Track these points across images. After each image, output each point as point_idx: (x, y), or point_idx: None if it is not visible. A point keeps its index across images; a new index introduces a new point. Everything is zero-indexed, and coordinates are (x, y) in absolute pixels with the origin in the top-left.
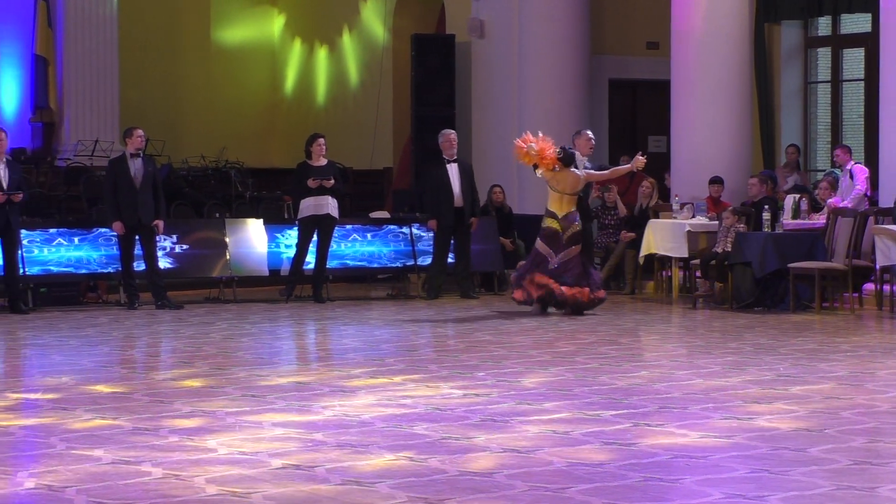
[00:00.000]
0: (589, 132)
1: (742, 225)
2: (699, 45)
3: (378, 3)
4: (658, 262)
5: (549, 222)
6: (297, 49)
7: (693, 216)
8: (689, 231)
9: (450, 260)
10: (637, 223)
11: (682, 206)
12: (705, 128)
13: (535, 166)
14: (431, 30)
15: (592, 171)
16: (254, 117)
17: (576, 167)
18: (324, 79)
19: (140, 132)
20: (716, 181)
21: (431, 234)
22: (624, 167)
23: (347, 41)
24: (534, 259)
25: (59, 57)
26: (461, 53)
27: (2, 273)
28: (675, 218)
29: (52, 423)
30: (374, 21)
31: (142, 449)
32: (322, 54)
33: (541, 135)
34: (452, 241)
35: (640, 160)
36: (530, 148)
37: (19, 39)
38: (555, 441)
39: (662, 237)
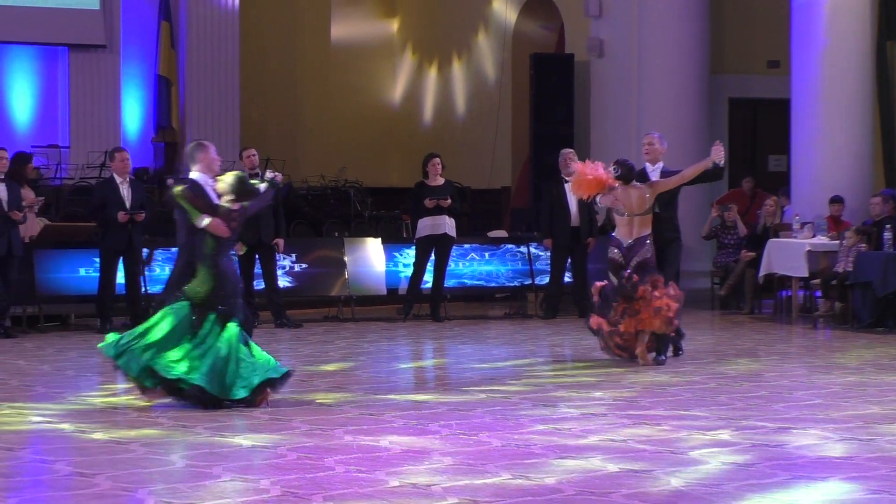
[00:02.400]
0: (650, 135)
1: (863, 244)
2: (820, 64)
3: (498, 24)
4: (778, 282)
5: (612, 254)
6: (416, 69)
7: (814, 235)
8: (809, 251)
9: (567, 279)
10: (757, 242)
11: (803, 225)
12: (826, 146)
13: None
14: (550, 49)
15: (658, 181)
16: (373, 137)
17: (638, 181)
18: (444, 98)
19: (250, 152)
20: (837, 200)
21: (549, 254)
22: (698, 165)
23: (467, 61)
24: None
25: (181, 77)
26: (580, 72)
27: (124, 291)
28: (795, 237)
29: (173, 440)
30: (494, 41)
31: (260, 468)
32: (442, 73)
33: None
34: (569, 261)
35: (718, 149)
36: (583, 176)
37: (143, 60)
38: (669, 462)
39: (782, 256)
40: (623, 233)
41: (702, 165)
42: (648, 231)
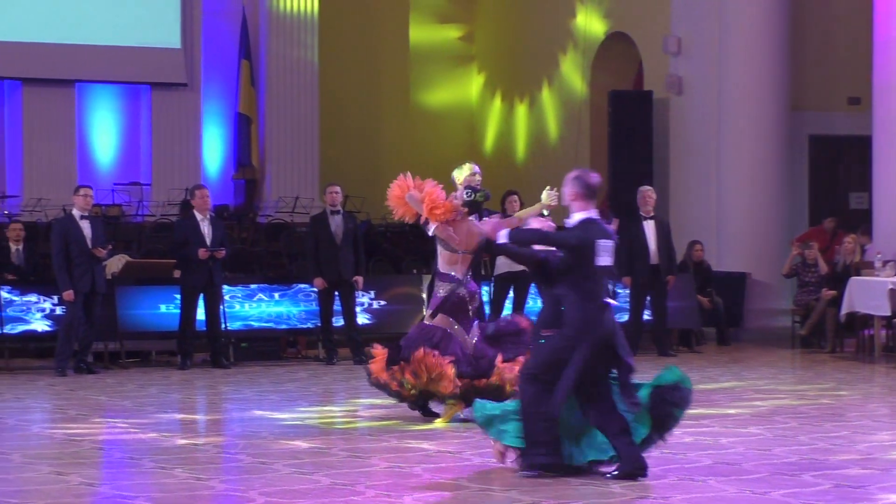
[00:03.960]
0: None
1: None
2: None
3: (576, 60)
4: (860, 321)
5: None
6: (495, 106)
7: None
8: (891, 289)
9: (646, 317)
10: (838, 280)
11: (885, 263)
12: None
13: (424, 221)
14: (629, 86)
15: (493, 220)
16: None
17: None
18: (522, 135)
19: (334, 189)
20: None
21: (628, 291)
22: (527, 210)
23: (545, 98)
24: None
25: (261, 115)
26: (659, 109)
27: (204, 328)
28: (877, 275)
29: (252, 479)
30: (573, 78)
31: None
32: (520, 111)
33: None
34: (648, 298)
35: (551, 195)
36: (411, 197)
37: (223, 98)
38: (749, 500)
39: (864, 295)
40: (460, 271)
41: (535, 210)
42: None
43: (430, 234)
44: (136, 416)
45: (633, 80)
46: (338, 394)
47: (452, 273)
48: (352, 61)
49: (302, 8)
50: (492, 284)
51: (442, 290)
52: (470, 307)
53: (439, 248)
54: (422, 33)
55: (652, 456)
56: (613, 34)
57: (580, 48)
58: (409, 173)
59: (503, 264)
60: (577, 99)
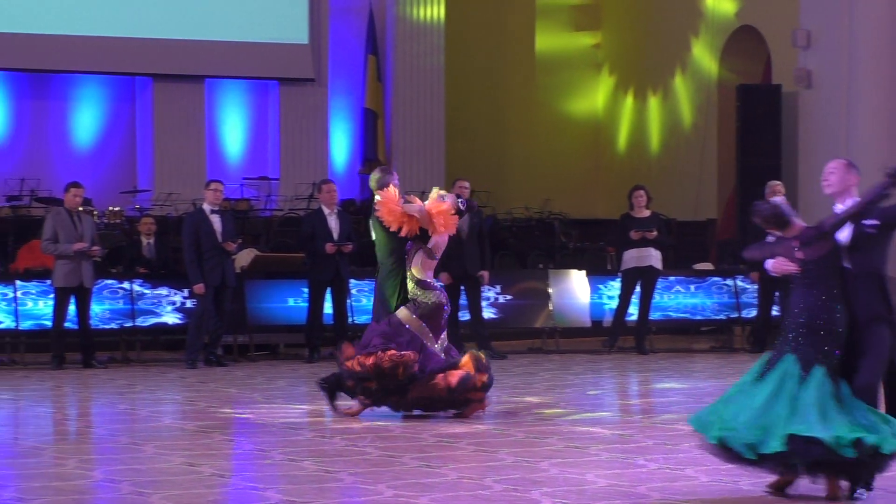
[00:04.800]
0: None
1: None
2: None
3: (703, 55)
4: None
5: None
6: (620, 101)
7: None
8: None
9: (775, 312)
10: None
11: None
12: None
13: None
14: (757, 80)
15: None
16: (577, 168)
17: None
18: (646, 131)
19: (462, 184)
20: None
21: (756, 287)
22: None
23: (670, 93)
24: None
25: (387, 110)
26: (787, 103)
27: (331, 321)
28: None
29: (380, 472)
30: (699, 73)
31: (465, 499)
32: (653, 104)
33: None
34: (777, 294)
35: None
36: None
37: (350, 93)
38: None
39: None
40: (432, 276)
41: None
42: None
43: (410, 244)
44: (265, 408)
45: (762, 74)
46: None
47: (430, 280)
48: (478, 55)
49: (429, 3)
50: (619, 279)
51: (426, 298)
52: (446, 314)
53: (420, 256)
54: (548, 40)
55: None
56: (742, 28)
57: (712, 29)
58: (392, 187)
59: (630, 259)
60: (703, 95)
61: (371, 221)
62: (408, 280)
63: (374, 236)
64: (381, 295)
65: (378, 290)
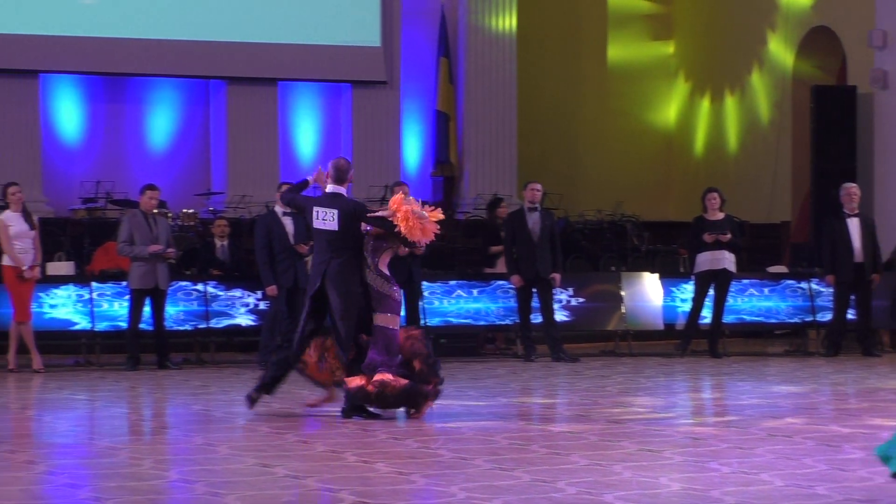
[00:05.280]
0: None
1: None
2: None
3: (779, 49)
4: None
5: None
6: (696, 105)
7: None
8: None
9: (850, 316)
10: None
11: None
12: None
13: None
14: (832, 81)
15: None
16: (650, 171)
17: None
18: (724, 132)
19: (535, 186)
20: None
21: (831, 290)
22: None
23: (747, 91)
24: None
25: (459, 112)
26: (863, 105)
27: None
28: None
29: (453, 474)
30: (775, 68)
31: (538, 502)
32: (722, 107)
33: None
34: (853, 297)
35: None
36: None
37: (422, 96)
38: None
39: None
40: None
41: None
42: None
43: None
44: (335, 410)
45: (837, 75)
46: (537, 390)
47: (389, 273)
48: (549, 57)
49: (501, 6)
50: (692, 282)
51: (389, 291)
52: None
53: (386, 252)
54: (620, 49)
55: (848, 455)
56: (817, 28)
57: (789, 23)
58: (402, 193)
59: (704, 261)
60: (777, 97)
61: (340, 213)
62: (370, 273)
63: (332, 227)
64: (343, 288)
65: (339, 282)
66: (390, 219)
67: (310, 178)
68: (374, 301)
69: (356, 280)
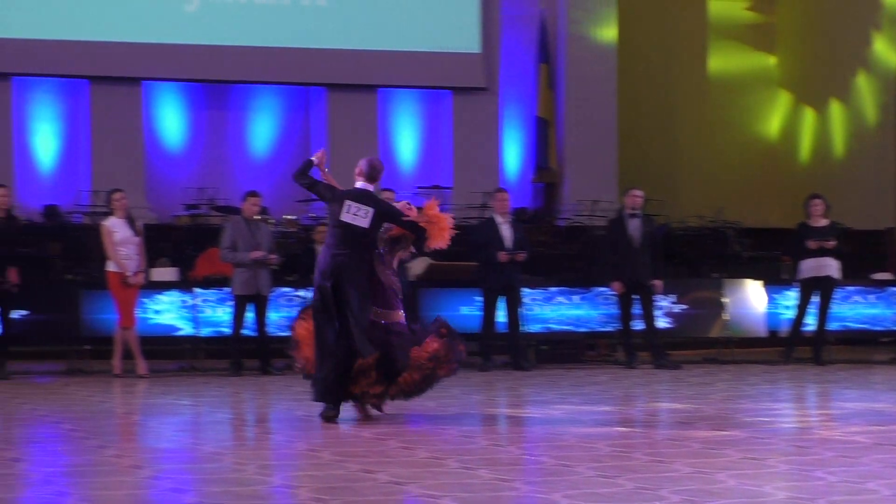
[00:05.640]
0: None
1: None
2: None
3: (885, 49)
4: None
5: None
6: (797, 111)
7: None
8: None
9: None
10: None
11: None
12: None
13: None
14: None
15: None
16: (752, 178)
17: None
18: (825, 139)
19: (636, 192)
20: None
21: None
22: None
23: (848, 101)
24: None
25: (559, 118)
26: None
27: (504, 330)
28: None
29: (555, 481)
30: (882, 69)
31: None
32: (823, 114)
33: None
34: None
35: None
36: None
37: (522, 102)
38: None
39: None
40: None
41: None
42: None
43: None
44: (439, 416)
45: None
46: (639, 397)
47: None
48: (649, 63)
49: (601, 16)
50: (796, 289)
51: (398, 289)
52: None
53: (400, 252)
54: (721, 59)
55: None
56: None
57: (885, 48)
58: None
59: (808, 268)
60: (881, 99)
61: (376, 212)
62: (385, 270)
63: (363, 224)
64: (360, 283)
65: (356, 278)
66: (422, 224)
67: (314, 159)
68: (384, 298)
69: (368, 277)
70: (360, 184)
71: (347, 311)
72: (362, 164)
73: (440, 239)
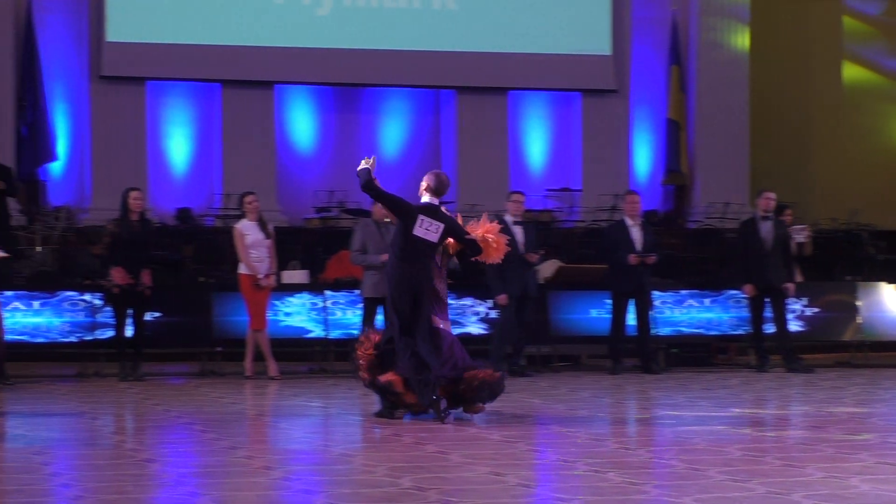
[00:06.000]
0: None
1: None
2: None
3: None
4: None
5: None
6: None
7: None
8: None
9: None
10: None
11: None
12: None
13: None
14: None
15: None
16: (886, 181)
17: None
18: None
19: (769, 195)
20: None
21: None
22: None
23: None
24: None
25: (690, 121)
26: None
27: (634, 333)
28: None
29: (686, 485)
30: None
31: None
32: None
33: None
34: None
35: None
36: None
37: (652, 104)
38: None
39: None
40: None
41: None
42: None
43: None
44: (568, 419)
45: None
46: (770, 400)
47: None
48: (782, 66)
49: (733, 22)
50: None
51: (447, 299)
52: None
53: (447, 262)
54: (857, 68)
55: None
56: None
57: None
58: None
59: None
60: None
61: (446, 229)
62: (441, 281)
63: (433, 238)
64: (428, 295)
65: (428, 290)
66: (480, 243)
67: (368, 166)
68: (439, 306)
69: (432, 288)
70: (427, 198)
71: (421, 322)
72: (430, 180)
73: (494, 258)
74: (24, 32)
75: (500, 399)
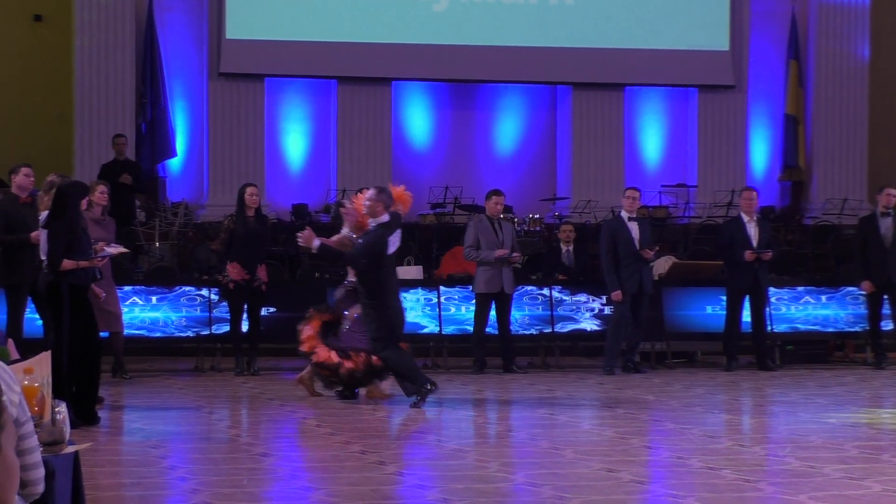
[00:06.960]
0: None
1: None
2: None
3: None
4: None
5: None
6: None
7: None
8: None
9: None
10: None
11: None
12: None
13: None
14: None
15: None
16: None
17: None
18: None
19: (890, 191)
20: None
21: None
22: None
23: None
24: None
25: (808, 115)
26: None
27: (749, 329)
28: None
29: (801, 483)
30: None
31: None
32: None
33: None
34: None
35: None
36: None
37: (770, 99)
38: None
39: None
40: None
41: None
42: None
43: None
44: (682, 415)
45: None
46: (887, 398)
47: None
48: None
49: (853, 21)
50: None
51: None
52: None
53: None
54: None
55: None
56: None
57: None
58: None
59: None
60: None
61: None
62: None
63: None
64: None
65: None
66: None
67: (312, 248)
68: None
69: None
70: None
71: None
72: (382, 198)
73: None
74: (146, 31)
75: (613, 395)
